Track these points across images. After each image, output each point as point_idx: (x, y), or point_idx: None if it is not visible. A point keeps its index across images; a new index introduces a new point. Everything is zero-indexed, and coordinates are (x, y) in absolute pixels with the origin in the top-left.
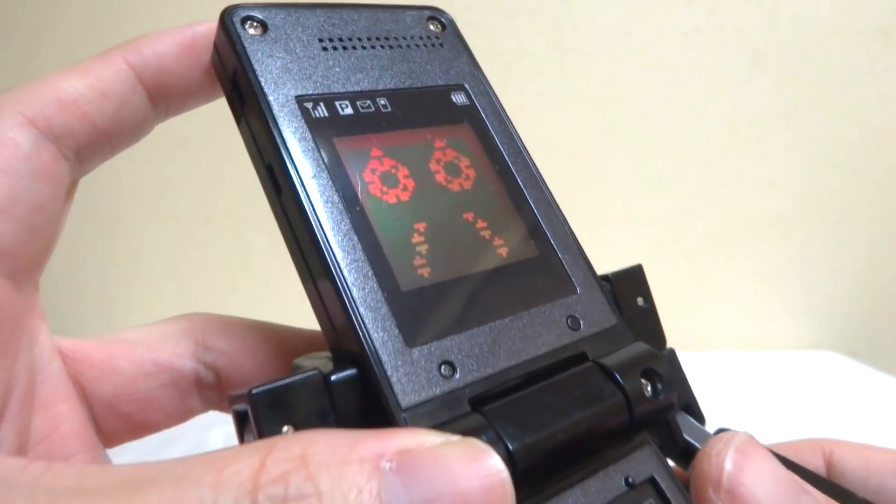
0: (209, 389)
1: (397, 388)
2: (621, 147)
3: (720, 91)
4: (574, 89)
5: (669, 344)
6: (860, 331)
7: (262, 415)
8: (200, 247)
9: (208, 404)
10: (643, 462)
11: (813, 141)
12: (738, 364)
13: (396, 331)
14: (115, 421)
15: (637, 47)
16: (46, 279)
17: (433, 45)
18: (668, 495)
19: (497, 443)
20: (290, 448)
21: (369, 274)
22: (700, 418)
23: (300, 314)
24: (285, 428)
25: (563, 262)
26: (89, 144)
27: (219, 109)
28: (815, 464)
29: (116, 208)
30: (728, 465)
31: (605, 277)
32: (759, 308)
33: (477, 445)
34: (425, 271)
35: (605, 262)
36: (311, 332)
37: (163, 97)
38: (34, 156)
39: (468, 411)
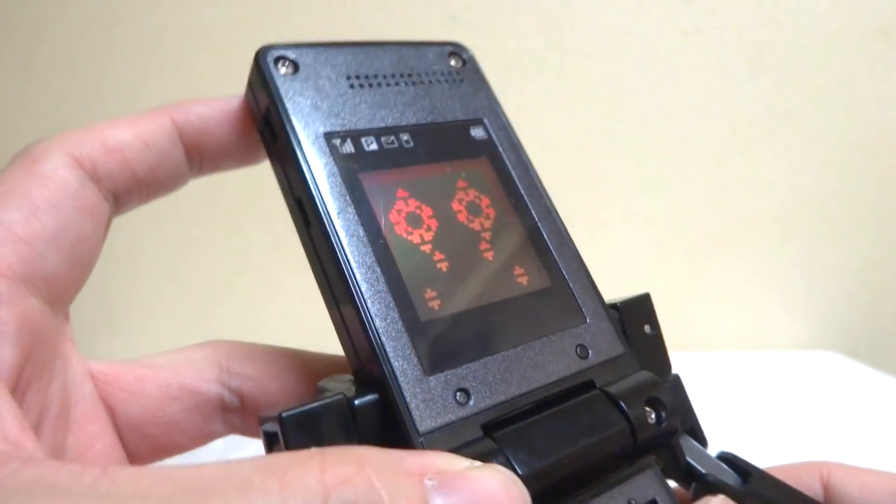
0: (232, 413)
1: (416, 413)
2: (621, 147)
3: (720, 91)
4: (574, 89)
5: (670, 345)
6: (860, 331)
7: (290, 435)
8: (200, 247)
9: (230, 428)
10: (646, 485)
11: (813, 141)
12: (739, 364)
13: (416, 359)
14: (140, 442)
15: (637, 47)
16: None
17: (454, 81)
18: None
19: (507, 467)
20: (345, 455)
21: (391, 305)
22: (703, 441)
23: (299, 314)
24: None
25: (574, 292)
26: (127, 189)
27: None
28: (813, 487)
29: None
30: None
31: (614, 306)
32: (759, 308)
33: (506, 473)
34: (443, 302)
35: (605, 261)
36: (331, 357)
37: (199, 155)
38: (80, 193)
39: (481, 436)
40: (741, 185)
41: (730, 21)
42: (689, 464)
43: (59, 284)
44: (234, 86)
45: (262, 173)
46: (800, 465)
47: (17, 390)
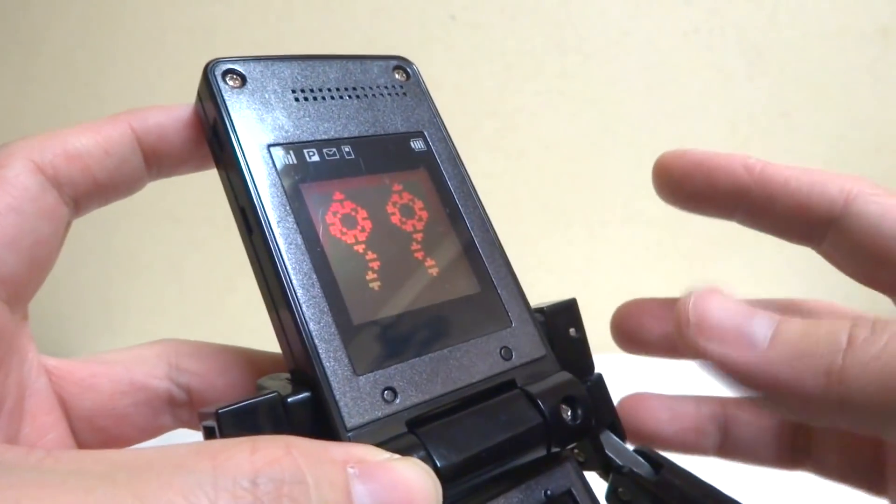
0: (181, 408)
1: (344, 411)
2: (621, 147)
3: (720, 91)
4: (574, 89)
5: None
6: None
7: (227, 430)
8: (200, 247)
9: (179, 422)
10: (563, 477)
11: (813, 141)
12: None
13: (346, 360)
14: (91, 434)
15: (637, 47)
16: (47, 280)
17: (397, 94)
18: None
19: (427, 460)
20: (274, 441)
21: (325, 309)
22: (622, 436)
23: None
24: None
25: (501, 297)
26: (87, 193)
27: None
28: (836, 199)
29: (116, 208)
30: (690, 310)
31: (541, 310)
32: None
33: (421, 466)
34: (376, 306)
35: (606, 261)
36: (276, 355)
37: (156, 161)
38: (41, 198)
39: (405, 432)
40: None
41: (730, 21)
42: (607, 456)
43: (17, 284)
44: None
45: None
46: (830, 172)
47: None
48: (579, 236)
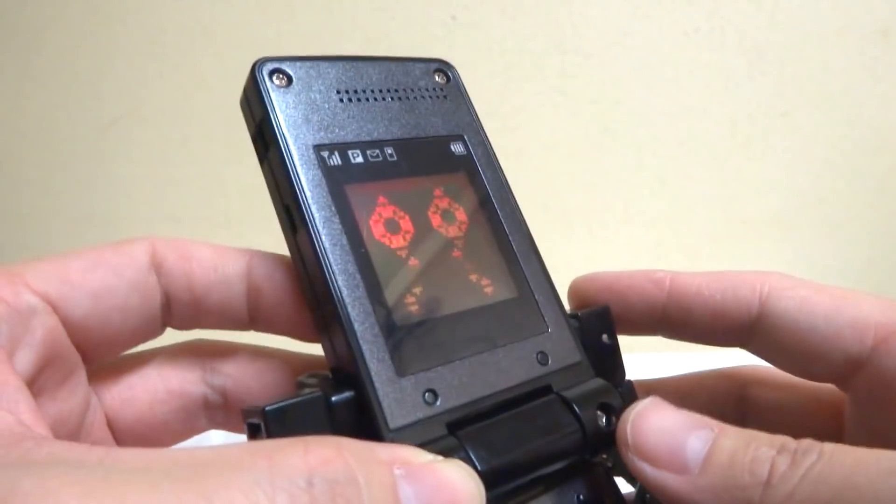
0: (216, 410)
1: (387, 412)
2: (621, 147)
3: (720, 91)
4: (574, 89)
5: (671, 346)
6: None
7: (272, 428)
8: None
9: (213, 423)
10: (594, 483)
11: (813, 141)
12: (739, 364)
13: (389, 361)
14: (131, 442)
15: (637, 47)
16: None
17: (437, 97)
18: None
19: (467, 463)
20: (325, 442)
21: (369, 310)
22: None
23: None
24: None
25: (538, 302)
26: (178, 294)
27: (218, 111)
28: (750, 301)
29: (116, 208)
30: (629, 429)
31: (575, 315)
32: None
33: (467, 470)
34: (417, 309)
35: (606, 262)
36: (309, 356)
37: (255, 310)
38: (141, 272)
39: (445, 434)
40: (741, 185)
41: (730, 21)
42: None
43: (85, 332)
44: (234, 86)
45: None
46: (739, 274)
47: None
48: (579, 236)
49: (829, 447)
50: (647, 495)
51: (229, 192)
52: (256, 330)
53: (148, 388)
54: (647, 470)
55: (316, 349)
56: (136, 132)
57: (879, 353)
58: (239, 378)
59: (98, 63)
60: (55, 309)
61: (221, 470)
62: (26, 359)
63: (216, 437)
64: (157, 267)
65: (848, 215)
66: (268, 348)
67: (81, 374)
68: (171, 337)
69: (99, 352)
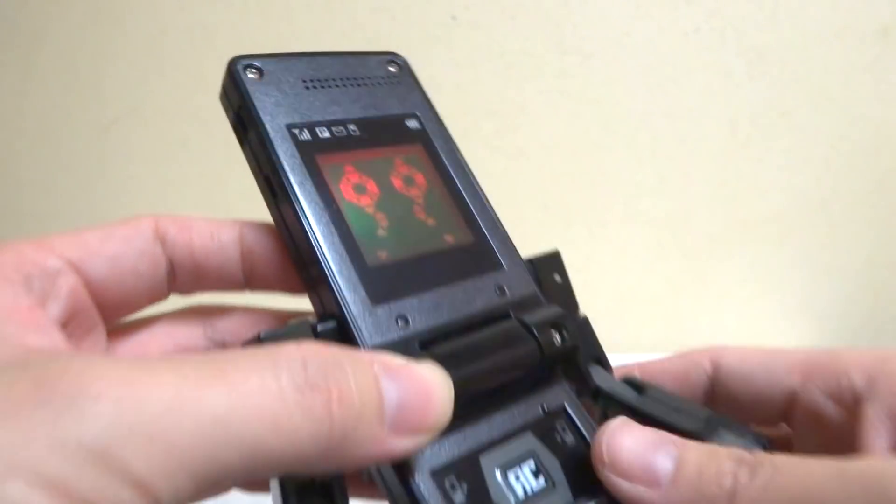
0: None
1: (365, 332)
2: (621, 147)
3: (720, 91)
4: (574, 89)
5: (674, 344)
6: (860, 331)
7: None
8: None
9: None
10: (557, 395)
11: (813, 141)
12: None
13: (364, 293)
14: None
15: (637, 47)
16: None
17: (391, 83)
18: (576, 419)
19: None
20: (321, 350)
21: (343, 254)
22: (609, 369)
23: (301, 307)
24: None
25: (494, 245)
26: (182, 261)
27: (218, 111)
28: (704, 366)
29: (116, 208)
30: (604, 449)
31: (530, 261)
32: (759, 308)
33: (433, 365)
34: (386, 253)
35: (606, 261)
36: (301, 312)
37: (251, 270)
38: (148, 241)
39: (418, 350)
40: (741, 185)
41: (730, 21)
42: (597, 385)
43: (104, 293)
44: None
45: None
46: (695, 352)
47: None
48: (579, 236)
49: (779, 460)
50: (609, 411)
51: (229, 192)
52: (251, 289)
53: (158, 345)
54: (624, 486)
55: (304, 304)
56: (136, 132)
57: (807, 386)
58: (236, 332)
59: (98, 63)
60: (77, 271)
61: (235, 359)
62: (56, 310)
63: None
64: (161, 238)
65: (848, 215)
66: (262, 307)
67: (102, 332)
68: (174, 304)
69: (116, 310)
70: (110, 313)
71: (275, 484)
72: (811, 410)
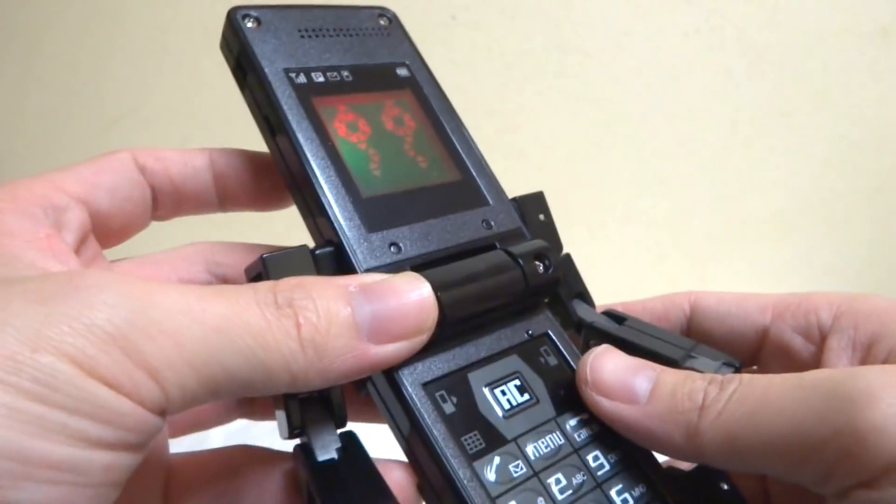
0: None
1: (360, 256)
2: (621, 147)
3: (720, 91)
4: (574, 89)
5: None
6: None
7: (271, 271)
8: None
9: None
10: (541, 322)
11: (813, 141)
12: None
13: (359, 221)
14: None
15: (637, 47)
16: None
17: (382, 35)
18: (559, 344)
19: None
20: (289, 279)
21: (339, 185)
22: (591, 304)
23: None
24: None
25: (480, 184)
26: (162, 186)
27: (219, 110)
28: (683, 306)
29: None
30: (588, 370)
31: (514, 200)
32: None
33: (414, 277)
34: (379, 186)
35: (606, 261)
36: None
37: (223, 191)
38: (132, 172)
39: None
40: (741, 185)
41: (730, 21)
42: (579, 317)
43: (108, 222)
44: (234, 86)
45: None
46: (674, 294)
47: None
48: (579, 236)
49: (746, 377)
50: (592, 341)
51: None
52: (225, 210)
53: (162, 278)
54: (604, 403)
55: (289, 235)
56: (136, 132)
57: (776, 323)
58: (235, 266)
59: (99, 63)
60: (84, 204)
61: (224, 289)
62: (70, 238)
63: (215, 435)
64: (141, 168)
65: (848, 215)
66: (260, 244)
67: (105, 263)
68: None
69: (116, 237)
70: (111, 240)
71: (278, 402)
72: (780, 346)
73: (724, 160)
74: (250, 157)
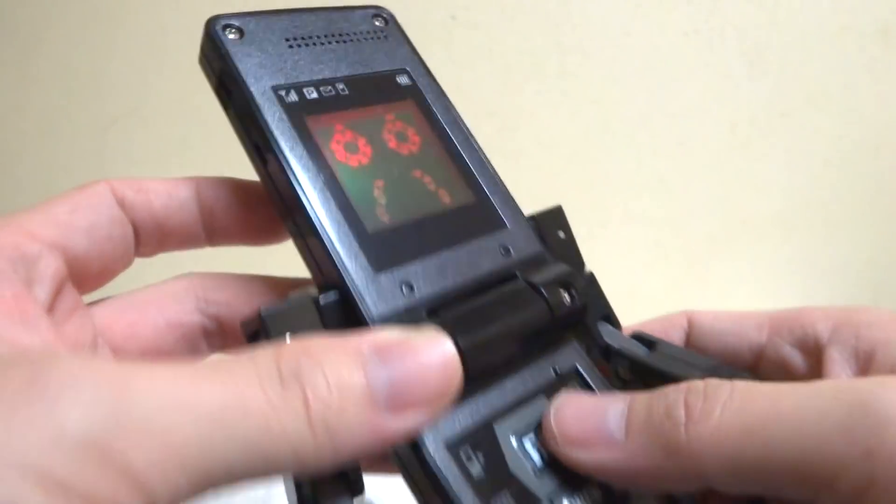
0: (213, 336)
1: (369, 302)
2: (621, 147)
3: (720, 91)
4: (574, 89)
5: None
6: None
7: (271, 328)
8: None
9: (213, 348)
10: (568, 356)
11: (813, 141)
12: None
13: (365, 261)
14: None
15: (637, 47)
16: None
17: (378, 38)
18: (589, 380)
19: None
20: (294, 344)
21: (341, 220)
22: (617, 326)
23: (293, 277)
24: (287, 337)
25: (495, 204)
26: (144, 221)
27: (219, 111)
28: (682, 324)
29: None
30: (553, 426)
31: (532, 217)
32: (758, 308)
33: (435, 333)
34: (385, 217)
35: (606, 261)
36: (297, 279)
37: (210, 223)
38: (111, 207)
39: (425, 317)
40: (741, 185)
41: (730, 21)
42: (606, 343)
43: (86, 266)
44: None
45: None
46: (672, 314)
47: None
48: (579, 236)
49: (740, 383)
50: (619, 369)
51: None
52: (212, 244)
53: (149, 323)
54: (582, 455)
55: (286, 265)
56: (136, 132)
57: (773, 338)
58: (231, 304)
59: (98, 63)
60: (58, 250)
61: (222, 362)
62: (42, 294)
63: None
64: (120, 202)
65: (848, 215)
66: (256, 275)
67: (86, 311)
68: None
69: (96, 281)
70: (91, 284)
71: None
72: (778, 361)
73: (723, 160)
74: (241, 187)
